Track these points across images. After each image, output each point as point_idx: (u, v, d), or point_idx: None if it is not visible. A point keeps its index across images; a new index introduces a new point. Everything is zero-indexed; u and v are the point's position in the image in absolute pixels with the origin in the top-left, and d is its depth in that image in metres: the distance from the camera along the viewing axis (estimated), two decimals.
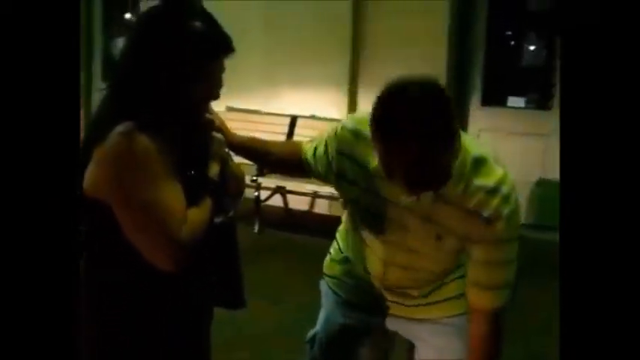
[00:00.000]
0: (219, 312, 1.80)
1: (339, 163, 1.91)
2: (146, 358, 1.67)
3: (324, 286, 2.25)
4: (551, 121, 5.93)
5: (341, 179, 1.93)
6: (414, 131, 1.58)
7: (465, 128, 6.22)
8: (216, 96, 1.67)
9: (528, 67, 6.85)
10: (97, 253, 1.65)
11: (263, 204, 5.87)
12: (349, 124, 1.90)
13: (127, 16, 8.62)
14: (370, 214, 1.93)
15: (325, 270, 2.25)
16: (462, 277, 1.96)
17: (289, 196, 6.25)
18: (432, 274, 1.99)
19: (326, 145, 1.95)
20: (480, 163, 1.79)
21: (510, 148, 6.08)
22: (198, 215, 1.61)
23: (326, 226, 2.41)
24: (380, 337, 2.18)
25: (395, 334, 2.16)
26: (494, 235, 1.79)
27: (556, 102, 5.95)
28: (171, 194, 1.57)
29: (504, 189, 1.79)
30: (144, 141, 1.54)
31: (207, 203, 1.65)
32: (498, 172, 1.81)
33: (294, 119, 6.20)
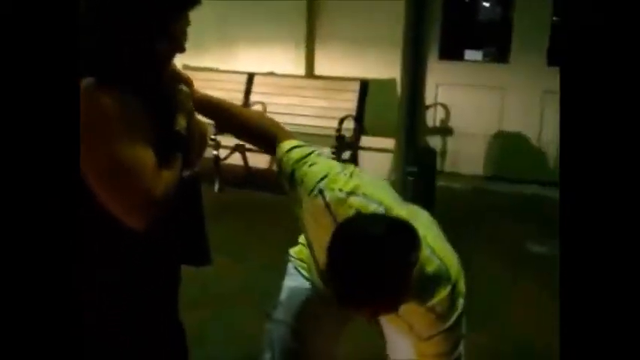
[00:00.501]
0: (183, 270, 1.80)
1: (302, 210, 1.85)
2: (116, 320, 1.65)
3: (291, 268, 2.21)
4: (508, 74, 5.98)
5: (300, 216, 1.90)
6: (369, 294, 1.57)
7: (423, 83, 6.24)
8: (182, 49, 1.63)
9: (485, 20, 6.89)
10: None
11: (222, 162, 5.84)
12: (327, 195, 1.77)
13: None
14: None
15: (293, 253, 2.22)
16: None
17: (248, 154, 6.23)
18: None
19: (302, 181, 1.83)
20: (428, 282, 1.74)
21: (468, 101, 6.13)
22: (169, 170, 1.59)
23: None
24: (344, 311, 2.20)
25: None
26: (430, 349, 1.81)
27: (513, 55, 5.99)
28: (140, 150, 1.54)
29: (439, 309, 1.75)
30: (107, 97, 1.50)
31: (177, 158, 1.63)
32: (442, 292, 1.75)
33: (251, 76, 6.15)
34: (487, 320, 3.30)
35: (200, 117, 1.85)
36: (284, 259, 2.26)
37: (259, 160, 6.27)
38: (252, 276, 3.88)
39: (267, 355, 2.13)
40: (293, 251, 2.23)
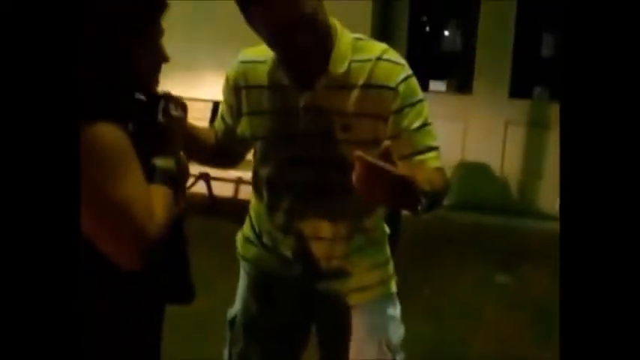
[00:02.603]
0: None
1: (239, 99, 1.96)
2: (98, 355, 1.54)
3: (241, 270, 2.18)
4: (471, 105, 6.06)
5: (246, 116, 1.96)
6: None
7: None
8: (165, 58, 1.56)
9: (448, 52, 6.98)
10: None
11: (187, 191, 5.78)
12: (236, 61, 2.02)
13: None
14: (276, 137, 1.92)
15: (240, 249, 2.17)
16: (375, 248, 2.03)
17: (213, 183, 6.19)
18: (345, 197, 1.84)
19: (225, 99, 2.04)
20: (360, 41, 1.86)
21: None
22: (163, 207, 1.49)
23: None
24: (296, 331, 2.13)
25: (311, 327, 2.12)
26: (407, 98, 1.82)
27: (475, 86, 6.07)
28: (138, 187, 1.44)
29: (391, 55, 1.87)
30: (107, 128, 1.40)
31: (168, 194, 1.53)
32: (380, 45, 1.88)
33: (216, 105, 6.13)
34: (457, 347, 3.30)
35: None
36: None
37: (224, 189, 6.23)
38: (214, 308, 3.82)
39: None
40: (238, 245, 2.18)
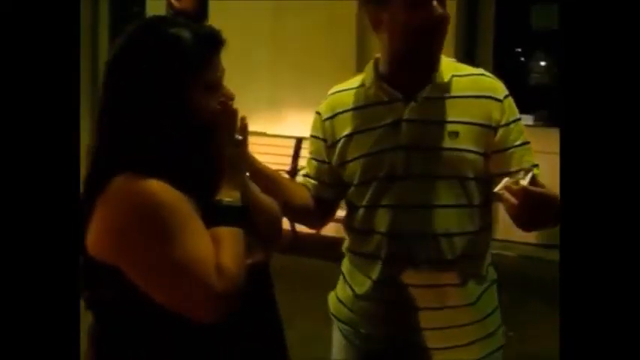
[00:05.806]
0: None
1: (332, 127, 1.91)
2: None
3: (335, 331, 2.06)
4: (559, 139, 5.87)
5: (343, 139, 1.88)
6: None
7: None
8: (229, 96, 1.47)
9: (536, 84, 6.83)
10: (111, 320, 1.44)
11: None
12: (327, 95, 1.98)
13: None
14: (377, 153, 1.84)
15: (333, 311, 2.06)
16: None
17: None
18: (452, 218, 1.82)
19: (315, 136, 1.98)
20: (458, 63, 1.94)
21: None
22: (232, 253, 1.39)
23: (334, 250, 2.36)
24: None
25: None
26: (512, 114, 1.86)
27: None
28: (197, 243, 1.36)
29: (490, 75, 1.93)
30: (160, 186, 1.34)
31: (237, 234, 1.41)
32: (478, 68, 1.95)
33: (299, 141, 6.16)
34: None
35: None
36: (330, 327, 2.12)
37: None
38: (295, 345, 3.77)
39: None
40: (332, 306, 2.07)
